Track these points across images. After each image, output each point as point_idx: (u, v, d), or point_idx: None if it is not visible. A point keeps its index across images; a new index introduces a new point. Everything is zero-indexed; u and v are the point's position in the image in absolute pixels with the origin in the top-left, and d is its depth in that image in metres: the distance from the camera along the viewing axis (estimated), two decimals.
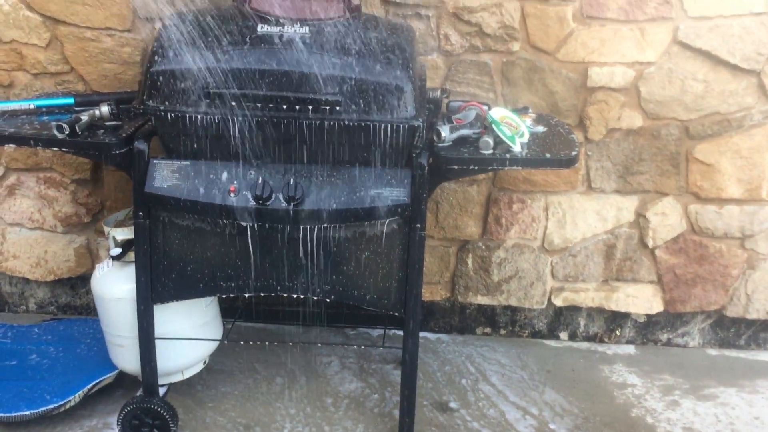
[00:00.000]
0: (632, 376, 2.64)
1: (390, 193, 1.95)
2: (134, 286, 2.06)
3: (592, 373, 2.64)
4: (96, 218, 2.70)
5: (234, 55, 1.87)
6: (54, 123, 1.95)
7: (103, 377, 2.31)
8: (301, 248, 2.00)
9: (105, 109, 2.06)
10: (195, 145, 1.95)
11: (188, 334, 2.21)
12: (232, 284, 2.06)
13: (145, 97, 1.91)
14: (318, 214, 1.93)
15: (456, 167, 1.97)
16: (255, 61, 1.86)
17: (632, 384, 2.59)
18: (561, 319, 2.81)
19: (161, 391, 2.25)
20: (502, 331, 2.84)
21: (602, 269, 2.72)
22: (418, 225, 1.98)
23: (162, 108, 1.90)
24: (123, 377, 2.35)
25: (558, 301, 2.75)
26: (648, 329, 2.82)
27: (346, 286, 2.05)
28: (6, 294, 2.82)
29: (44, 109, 2.17)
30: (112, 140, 1.96)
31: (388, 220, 1.98)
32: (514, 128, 2.04)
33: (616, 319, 2.81)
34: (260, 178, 1.93)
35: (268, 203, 1.93)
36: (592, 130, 2.53)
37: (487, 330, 2.84)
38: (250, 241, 2.00)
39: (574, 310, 2.79)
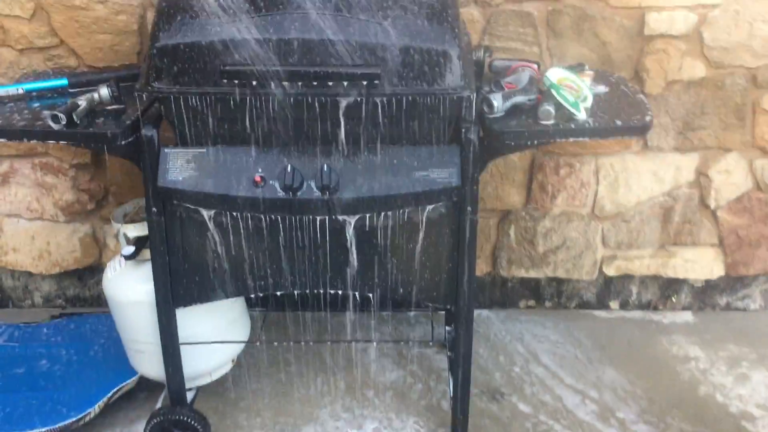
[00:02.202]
0: (694, 347, 2.44)
1: (437, 174, 1.70)
2: (151, 286, 1.84)
3: (650, 347, 2.44)
4: (100, 205, 2.46)
5: (253, 22, 1.60)
6: (48, 112, 1.69)
7: (124, 383, 2.10)
8: (337, 241, 1.76)
9: (104, 91, 1.80)
10: (212, 131, 1.70)
11: (214, 335, 1.99)
12: (262, 283, 1.83)
13: (150, 78, 1.65)
14: (356, 203, 1.69)
15: (512, 143, 1.71)
16: (279, 30, 1.59)
17: (695, 357, 2.39)
18: (611, 287, 2.60)
19: (189, 396, 2.06)
20: (548, 303, 2.63)
21: (658, 234, 2.48)
22: (470, 208, 1.74)
23: (172, 90, 1.64)
24: (145, 378, 2.15)
25: (610, 271, 2.53)
26: (706, 294, 2.60)
27: (389, 280, 1.82)
28: (9, 289, 2.60)
29: (35, 94, 1.90)
30: (116, 129, 1.70)
31: (434, 205, 1.74)
32: (576, 92, 1.77)
33: (671, 285, 2.59)
34: (289, 166, 1.68)
35: (298, 193, 1.69)
36: (649, 83, 2.26)
37: (531, 303, 2.63)
38: (280, 235, 1.76)
39: (625, 277, 2.57)
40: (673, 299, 2.61)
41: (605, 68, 2.22)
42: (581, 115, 1.71)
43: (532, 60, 2.00)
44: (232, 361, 2.12)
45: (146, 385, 2.17)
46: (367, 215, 1.73)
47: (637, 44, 2.23)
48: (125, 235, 1.93)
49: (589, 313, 2.63)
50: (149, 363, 2.00)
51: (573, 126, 1.69)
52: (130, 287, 1.93)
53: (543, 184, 2.39)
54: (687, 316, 2.61)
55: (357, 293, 1.84)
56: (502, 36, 2.21)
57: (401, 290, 1.83)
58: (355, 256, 1.78)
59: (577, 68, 1.98)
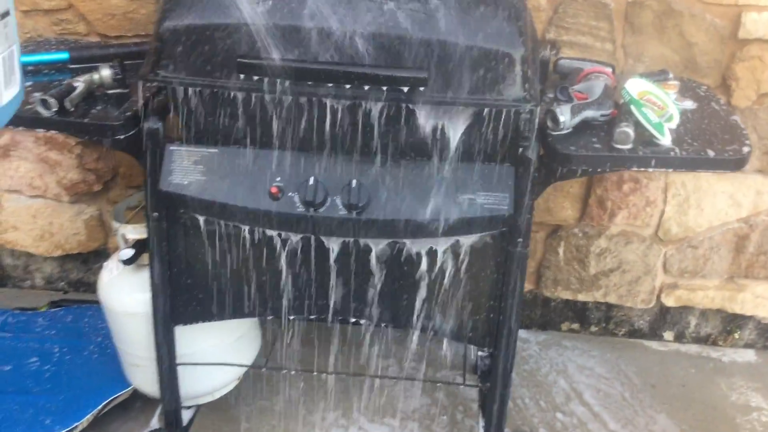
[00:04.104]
0: (756, 395, 2.15)
1: (485, 199, 1.43)
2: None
3: (706, 390, 2.16)
4: (108, 186, 2.23)
5: (278, 6, 1.33)
6: (38, 95, 1.44)
7: (117, 394, 1.90)
8: (361, 266, 1.52)
9: (106, 72, 1.55)
10: (225, 129, 1.45)
11: (218, 353, 1.77)
12: (274, 305, 1.59)
13: (156, 64, 1.39)
14: (387, 226, 1.43)
15: (579, 168, 1.43)
16: (310, 17, 1.31)
17: (758, 407, 2.11)
18: (667, 317, 2.31)
19: (188, 414, 1.85)
20: (593, 328, 2.36)
21: (728, 264, 2.19)
22: (520, 239, 1.47)
23: (180, 79, 1.38)
24: None
25: (669, 301, 2.25)
26: None
27: (419, 313, 1.57)
28: (8, 267, 2.41)
29: (31, 68, 1.66)
30: (114, 120, 1.46)
31: (479, 234, 1.48)
32: (660, 109, 1.48)
33: (735, 320, 2.30)
34: (312, 177, 1.42)
35: (321, 210, 1.43)
36: (738, 94, 1.94)
37: (575, 326, 2.36)
38: (297, 254, 1.52)
39: (684, 308, 2.29)
40: (736, 335, 2.32)
41: (688, 73, 1.91)
42: (665, 140, 1.42)
43: (606, 63, 1.69)
44: (238, 378, 1.90)
45: (142, 394, 1.96)
46: (399, 241, 1.47)
47: (728, 48, 1.90)
48: (124, 237, 1.70)
49: (639, 343, 2.35)
50: (145, 378, 1.79)
51: (655, 154, 1.40)
52: (126, 295, 1.71)
53: (602, 199, 2.10)
54: (749, 355, 2.32)
55: (381, 325, 1.60)
56: (570, 29, 1.91)
57: (432, 326, 1.58)
58: (380, 284, 1.53)
59: (660, 76, 1.68)
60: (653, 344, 2.35)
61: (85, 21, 1.97)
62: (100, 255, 2.36)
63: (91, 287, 2.42)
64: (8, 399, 1.86)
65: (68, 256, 2.36)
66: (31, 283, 2.44)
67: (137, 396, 1.94)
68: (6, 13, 0.92)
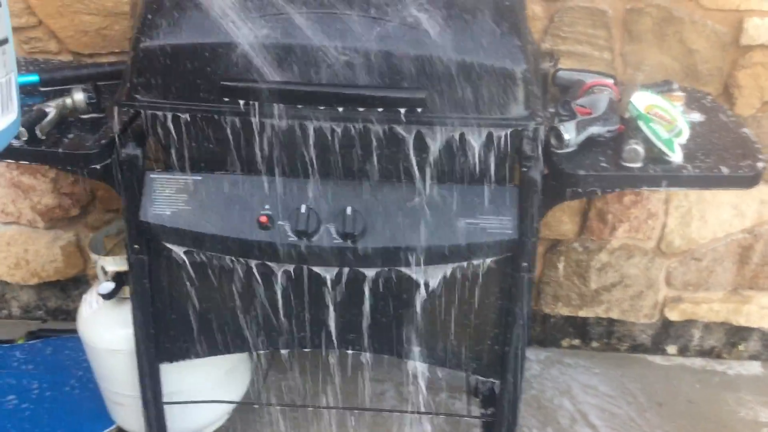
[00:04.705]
0: (765, 409, 2.08)
1: (488, 223, 1.35)
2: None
3: (714, 406, 2.09)
4: (86, 210, 2.12)
5: (264, 22, 1.24)
6: None
7: None
8: (356, 296, 1.43)
9: (79, 96, 1.46)
10: (209, 154, 1.36)
11: (207, 389, 1.67)
12: (264, 339, 1.50)
13: (133, 88, 1.29)
14: (384, 254, 1.35)
15: (586, 188, 1.35)
16: (297, 36, 1.22)
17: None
18: (670, 330, 2.24)
19: None
20: (595, 344, 2.28)
21: (733, 276, 2.12)
22: (525, 264, 1.39)
23: (159, 104, 1.29)
24: None
25: (673, 315, 2.18)
26: None
27: (420, 344, 1.48)
28: None
29: None
30: (89, 148, 1.36)
31: (482, 261, 1.39)
32: (669, 123, 1.41)
33: (739, 332, 2.23)
34: (303, 205, 1.33)
35: (313, 239, 1.34)
36: (741, 102, 1.87)
37: (576, 342, 2.28)
38: (288, 286, 1.42)
39: (687, 321, 2.22)
40: (740, 347, 2.26)
41: (689, 81, 1.84)
42: (676, 157, 1.34)
43: (606, 74, 1.62)
44: (228, 413, 1.80)
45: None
46: (397, 270, 1.39)
47: (729, 55, 1.84)
48: (103, 269, 1.60)
49: (642, 358, 2.28)
50: (128, 416, 1.69)
51: (667, 172, 1.32)
52: (107, 331, 1.61)
53: (602, 212, 2.03)
54: (755, 368, 2.26)
55: (380, 354, 1.51)
56: (567, 38, 1.83)
57: (433, 357, 1.49)
58: (377, 314, 1.44)
59: (664, 87, 1.60)
60: (657, 359, 2.28)
61: (57, 39, 1.87)
62: (80, 282, 2.25)
63: (71, 315, 2.31)
64: None
65: (46, 284, 2.25)
66: (8, 312, 2.32)
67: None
68: (5, 41, 0.92)
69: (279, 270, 1.40)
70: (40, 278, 2.22)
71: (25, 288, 2.27)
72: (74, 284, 2.27)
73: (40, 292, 2.28)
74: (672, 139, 1.36)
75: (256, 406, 1.86)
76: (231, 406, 1.77)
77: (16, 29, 1.82)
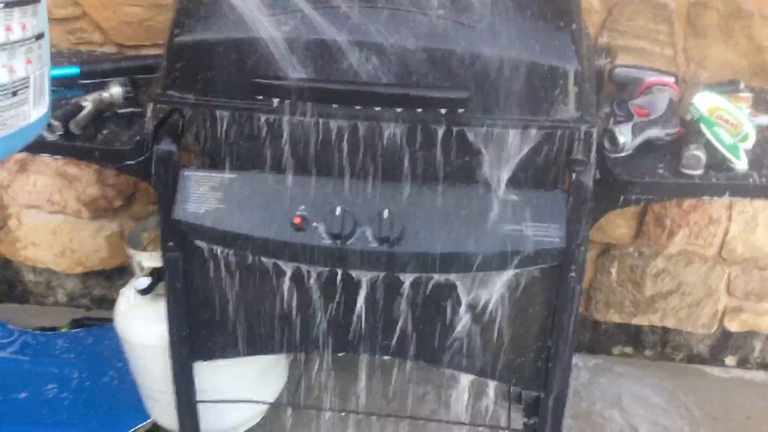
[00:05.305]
0: None
1: (534, 230, 1.27)
2: None
3: None
4: (130, 202, 2.12)
5: (302, 20, 1.18)
6: None
7: (136, 427, 1.78)
8: (393, 301, 1.37)
9: (117, 90, 1.43)
10: (244, 153, 1.31)
11: (241, 388, 1.64)
12: (297, 342, 1.46)
13: (167, 83, 1.26)
14: (423, 260, 1.28)
15: (641, 196, 1.26)
16: (335, 32, 1.16)
17: None
18: (729, 341, 2.12)
19: None
20: (648, 352, 2.18)
21: None
22: (573, 274, 1.31)
23: (193, 100, 1.25)
24: None
25: (733, 325, 2.06)
26: None
27: (458, 353, 1.42)
28: (30, 283, 2.32)
29: None
30: (124, 144, 1.33)
31: (527, 269, 1.32)
32: (734, 127, 1.30)
33: None
34: (339, 207, 1.28)
35: (349, 242, 1.29)
36: None
37: (628, 350, 2.18)
38: (322, 288, 1.38)
39: (748, 332, 2.09)
40: None
41: (757, 81, 1.72)
42: (741, 165, 1.24)
43: (666, 72, 1.52)
44: (263, 412, 1.77)
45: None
46: (436, 276, 1.32)
47: None
48: (140, 264, 1.58)
49: (699, 369, 2.16)
50: (164, 412, 1.68)
51: (730, 181, 1.22)
52: (143, 326, 1.59)
53: (660, 216, 1.92)
54: None
55: (416, 362, 1.45)
56: (626, 32, 1.73)
57: (471, 367, 1.43)
58: (416, 321, 1.39)
59: (730, 87, 1.49)
60: (714, 370, 2.16)
61: (100, 30, 1.86)
62: (124, 271, 2.25)
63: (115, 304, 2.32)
64: (21, 431, 1.77)
65: (91, 273, 2.27)
66: (54, 299, 2.34)
67: (158, 427, 1.83)
68: (41, 35, 0.94)
69: (313, 272, 1.35)
70: (85, 267, 2.23)
71: (71, 276, 2.28)
72: (119, 274, 2.27)
73: (85, 280, 2.30)
74: (737, 144, 1.26)
75: (290, 408, 1.83)
76: (265, 407, 1.74)
77: (61, 20, 1.83)
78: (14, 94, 0.89)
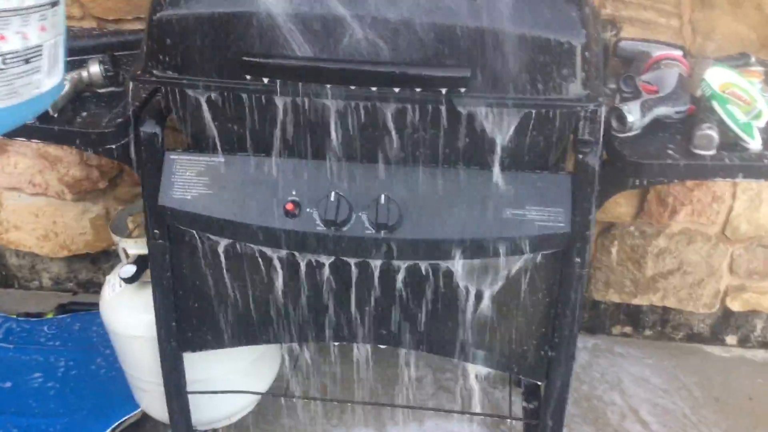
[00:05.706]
0: None
1: (537, 214, 1.21)
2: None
3: None
4: (115, 182, 2.04)
5: None
6: None
7: (124, 417, 1.73)
8: (391, 289, 1.31)
9: (96, 69, 1.35)
10: (233, 135, 1.24)
11: (233, 379, 1.59)
12: (290, 331, 1.40)
13: (150, 61, 1.18)
14: (421, 247, 1.23)
15: (650, 178, 1.20)
16: (329, 7, 1.09)
17: None
18: (730, 320, 2.09)
19: None
20: (647, 332, 2.14)
21: None
22: (578, 260, 1.25)
23: (177, 80, 1.17)
24: None
25: (735, 305, 2.02)
26: None
27: (458, 341, 1.36)
28: (14, 267, 2.25)
29: None
30: (104, 127, 1.26)
31: (530, 255, 1.26)
32: (747, 104, 1.24)
33: None
34: (333, 192, 1.21)
35: (344, 228, 1.23)
36: None
37: (627, 329, 2.14)
38: (315, 277, 1.32)
39: (750, 312, 2.06)
40: None
41: (765, 53, 1.65)
42: (755, 144, 1.18)
43: (674, 44, 1.45)
44: (257, 401, 1.72)
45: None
46: (435, 263, 1.26)
47: None
48: (125, 251, 1.51)
49: (699, 348, 2.13)
50: (154, 403, 1.62)
51: (744, 161, 1.16)
52: (129, 316, 1.53)
53: (662, 194, 1.87)
54: None
55: (413, 350, 1.40)
56: (631, 3, 1.66)
57: (475, 355, 1.37)
58: (412, 309, 1.33)
59: (740, 61, 1.43)
60: (715, 350, 2.13)
61: (79, 3, 1.76)
62: (110, 255, 2.19)
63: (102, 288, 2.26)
64: (6, 421, 1.71)
65: (76, 257, 2.20)
66: (39, 283, 2.28)
67: (147, 417, 1.78)
68: (56, 2, 0.92)
69: (306, 261, 1.29)
70: (69, 251, 2.16)
71: (56, 260, 2.22)
72: (105, 257, 2.21)
73: (70, 264, 2.23)
74: (751, 122, 1.20)
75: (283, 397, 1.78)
76: (258, 396, 1.69)
77: None
78: (27, 61, 0.87)
